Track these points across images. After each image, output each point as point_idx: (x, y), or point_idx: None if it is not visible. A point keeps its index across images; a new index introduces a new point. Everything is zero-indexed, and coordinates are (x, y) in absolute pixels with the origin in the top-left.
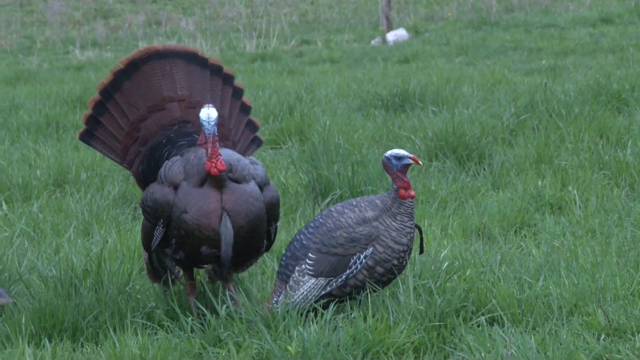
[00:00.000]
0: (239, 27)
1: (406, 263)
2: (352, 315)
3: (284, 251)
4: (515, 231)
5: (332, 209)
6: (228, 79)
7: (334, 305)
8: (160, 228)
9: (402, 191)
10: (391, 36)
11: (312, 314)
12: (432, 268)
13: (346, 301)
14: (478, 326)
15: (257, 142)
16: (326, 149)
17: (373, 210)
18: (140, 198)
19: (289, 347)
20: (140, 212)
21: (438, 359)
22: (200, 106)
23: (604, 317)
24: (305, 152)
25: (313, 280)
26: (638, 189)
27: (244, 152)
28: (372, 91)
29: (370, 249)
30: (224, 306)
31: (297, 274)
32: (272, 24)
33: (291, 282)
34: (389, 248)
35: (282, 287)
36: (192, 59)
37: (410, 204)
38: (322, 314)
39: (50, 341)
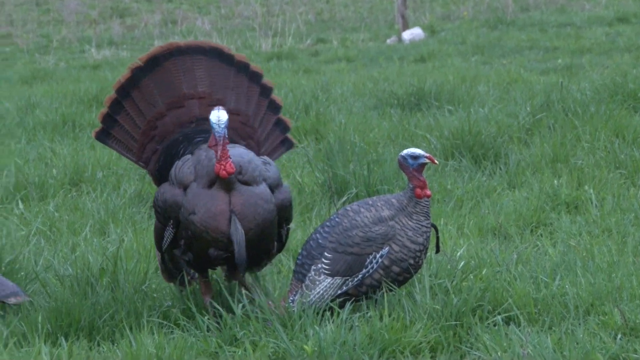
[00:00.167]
0: (254, 25)
1: (422, 262)
2: (368, 314)
3: (300, 250)
4: (532, 230)
5: (348, 208)
6: (255, 77)
7: (350, 305)
8: (170, 229)
9: (418, 190)
10: (407, 35)
11: (328, 313)
12: (448, 267)
13: (362, 300)
14: (494, 325)
15: (287, 145)
16: (342, 148)
17: (389, 210)
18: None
19: (305, 346)
20: None
21: (454, 358)
22: (221, 104)
23: (620, 317)
24: (321, 151)
25: (329, 279)
26: None
27: (270, 154)
28: (388, 90)
29: (387, 248)
30: (240, 305)
31: (313, 273)
32: (288, 22)
33: (307, 282)
34: (405, 247)
35: (298, 286)
36: (216, 55)
37: (427, 203)
38: (338, 313)
39: (66, 340)
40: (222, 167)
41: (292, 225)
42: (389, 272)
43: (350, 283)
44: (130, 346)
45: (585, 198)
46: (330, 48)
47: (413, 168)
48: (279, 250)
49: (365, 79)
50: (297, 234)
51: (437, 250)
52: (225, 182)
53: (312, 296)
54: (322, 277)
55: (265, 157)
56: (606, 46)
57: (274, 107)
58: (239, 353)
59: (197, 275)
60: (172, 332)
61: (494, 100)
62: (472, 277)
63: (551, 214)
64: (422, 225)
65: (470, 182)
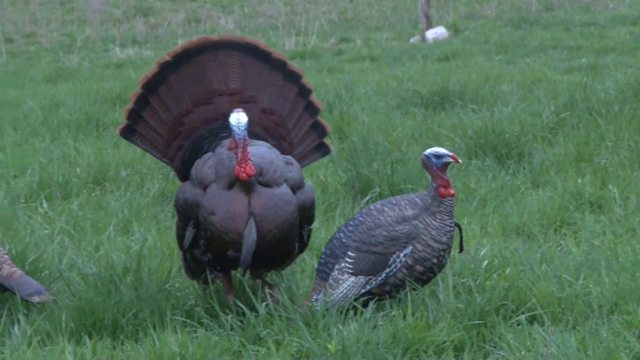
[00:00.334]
0: (278, 25)
1: (446, 262)
2: (392, 313)
3: (323, 249)
4: (555, 229)
5: (372, 208)
6: (292, 76)
7: (374, 304)
8: (191, 228)
9: (441, 189)
10: (430, 34)
11: (351, 312)
12: (472, 266)
13: (386, 299)
14: (518, 325)
15: (323, 150)
16: (365, 147)
17: (413, 209)
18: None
19: (329, 345)
20: None
21: (478, 357)
22: (253, 101)
23: None
24: (344, 150)
25: (353, 278)
26: None
27: (303, 158)
28: (412, 89)
29: (410, 248)
30: (264, 304)
31: (336, 272)
32: (311, 21)
33: (331, 281)
34: (428, 247)
35: (321, 285)
36: (250, 51)
37: (450, 202)
38: (362, 312)
39: (90, 338)
40: (242, 169)
41: (315, 224)
42: (413, 271)
43: (373, 282)
44: (154, 345)
45: (609, 197)
46: (354, 47)
47: (437, 167)
48: (301, 250)
49: (388, 78)
50: (321, 233)
51: (461, 250)
52: (245, 184)
53: (335, 295)
54: (346, 276)
55: (288, 157)
56: (630, 45)
57: (312, 110)
58: (262, 352)
59: (220, 274)
60: (195, 331)
61: (518, 99)
62: (495, 276)
63: (575, 213)
64: (445, 225)
65: (493, 182)
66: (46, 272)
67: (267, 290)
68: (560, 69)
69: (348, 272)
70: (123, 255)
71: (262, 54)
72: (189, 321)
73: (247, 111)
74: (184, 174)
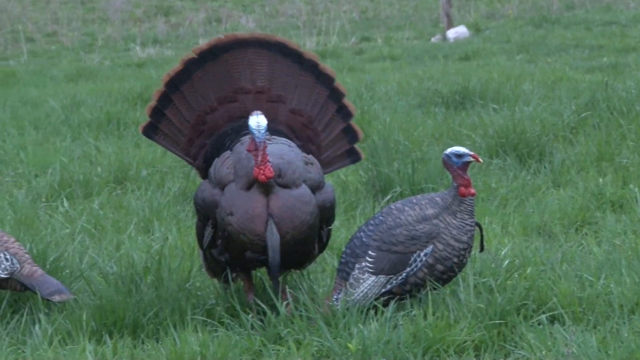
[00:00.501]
0: (298, 24)
1: (466, 261)
2: (413, 313)
3: (343, 249)
4: (576, 229)
5: (392, 207)
6: (324, 78)
7: (394, 303)
8: (210, 228)
9: (462, 189)
10: (451, 33)
11: (372, 312)
12: (493, 266)
13: (406, 299)
14: (539, 324)
15: (353, 157)
16: (386, 146)
17: (433, 208)
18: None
19: (349, 345)
20: None
21: (498, 357)
22: (281, 101)
23: None
24: (365, 149)
25: (373, 277)
26: None
27: (332, 162)
28: (433, 88)
29: (431, 247)
30: (285, 303)
31: (357, 271)
32: (332, 21)
33: (351, 280)
34: (449, 246)
35: (342, 284)
36: (280, 50)
37: (471, 201)
38: (382, 311)
39: (111, 338)
40: (261, 171)
41: (336, 223)
42: (433, 271)
43: (394, 281)
44: (175, 344)
45: (630, 197)
46: (375, 46)
47: (457, 166)
48: (321, 250)
49: (409, 78)
50: (341, 232)
51: (482, 249)
52: (264, 186)
53: (356, 295)
54: (366, 275)
55: (309, 156)
56: None
57: (344, 114)
58: (283, 351)
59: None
60: (216, 330)
61: (539, 98)
62: (516, 275)
63: (596, 213)
64: (466, 224)
65: (514, 181)
66: (67, 271)
67: (287, 289)
68: (581, 69)
69: (368, 272)
70: (144, 254)
71: (293, 53)
72: (209, 320)
73: (274, 110)
74: (206, 172)
